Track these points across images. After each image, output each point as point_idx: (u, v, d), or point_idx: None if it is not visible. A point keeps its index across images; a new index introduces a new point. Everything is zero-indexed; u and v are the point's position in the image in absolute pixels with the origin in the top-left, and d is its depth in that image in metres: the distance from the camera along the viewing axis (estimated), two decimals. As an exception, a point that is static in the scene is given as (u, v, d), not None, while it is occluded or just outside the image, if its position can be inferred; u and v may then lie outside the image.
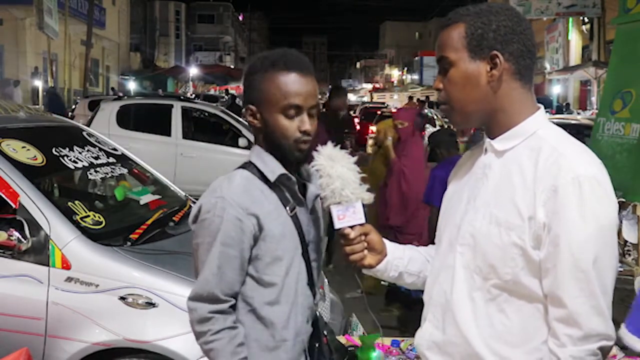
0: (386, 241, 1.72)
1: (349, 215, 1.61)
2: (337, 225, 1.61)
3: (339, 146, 1.71)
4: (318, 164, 1.66)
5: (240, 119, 9.39)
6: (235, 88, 33.82)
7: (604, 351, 1.39)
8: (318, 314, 1.89)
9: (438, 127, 18.02)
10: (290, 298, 1.76)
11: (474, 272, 1.48)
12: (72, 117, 12.71)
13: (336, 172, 1.63)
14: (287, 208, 1.75)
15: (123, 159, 4.10)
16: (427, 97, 27.60)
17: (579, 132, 7.47)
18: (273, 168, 1.75)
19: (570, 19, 22.06)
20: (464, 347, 1.49)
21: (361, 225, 1.63)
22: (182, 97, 12.35)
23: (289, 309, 1.76)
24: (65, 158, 3.52)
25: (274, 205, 1.74)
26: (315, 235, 1.86)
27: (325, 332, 1.93)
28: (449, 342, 1.52)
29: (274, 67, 1.70)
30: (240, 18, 64.35)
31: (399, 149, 5.43)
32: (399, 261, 1.72)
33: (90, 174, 3.72)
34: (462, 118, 1.53)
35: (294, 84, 1.70)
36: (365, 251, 1.66)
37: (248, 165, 1.78)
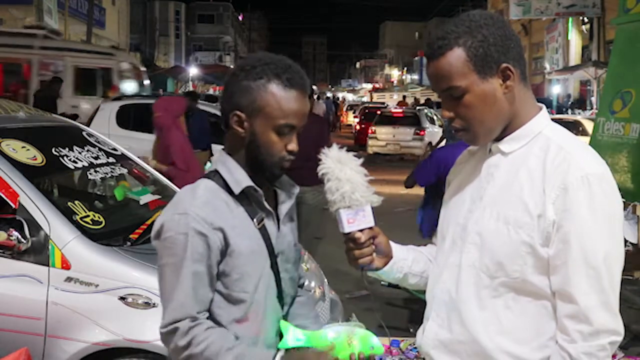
0: (391, 242, 1.72)
1: (359, 219, 1.59)
2: (347, 229, 1.59)
3: (344, 148, 1.68)
4: (326, 167, 1.61)
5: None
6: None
7: (613, 346, 1.41)
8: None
9: (438, 126, 18.10)
10: (259, 315, 1.69)
11: (481, 271, 1.49)
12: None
13: (345, 175, 1.59)
14: (255, 220, 1.67)
15: (123, 159, 4.10)
16: (428, 98, 27.72)
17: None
18: (238, 179, 1.66)
19: (570, 19, 22.08)
20: (471, 345, 1.50)
21: (370, 228, 1.62)
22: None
23: (258, 324, 1.69)
24: (65, 158, 3.52)
25: (239, 218, 1.65)
26: (287, 246, 1.78)
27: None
28: (455, 341, 1.53)
29: (277, 80, 1.61)
30: (240, 18, 64.33)
31: (161, 139, 5.49)
32: (403, 262, 1.72)
33: (90, 174, 3.72)
34: (485, 136, 1.52)
35: (295, 103, 1.62)
36: (374, 254, 1.65)
37: (213, 175, 1.68)
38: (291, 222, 1.84)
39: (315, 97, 8.56)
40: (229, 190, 1.66)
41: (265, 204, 1.71)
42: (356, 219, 1.59)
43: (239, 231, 1.64)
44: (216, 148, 9.06)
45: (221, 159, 1.71)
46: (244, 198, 1.67)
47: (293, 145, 1.66)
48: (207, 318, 1.64)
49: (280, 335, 1.80)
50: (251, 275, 1.66)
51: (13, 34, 14.44)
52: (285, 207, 1.78)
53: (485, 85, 1.45)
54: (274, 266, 1.72)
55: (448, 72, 1.45)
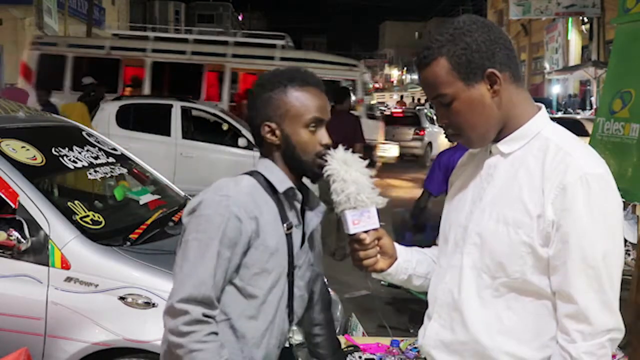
0: (395, 244, 1.72)
1: (364, 220, 1.60)
2: (352, 230, 1.59)
3: (350, 150, 1.69)
4: (331, 168, 1.63)
5: (240, 119, 9.37)
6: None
7: (614, 343, 1.42)
8: (289, 343, 1.85)
9: (438, 126, 18.10)
10: (269, 316, 1.71)
11: (482, 271, 1.49)
12: (71, 117, 12.69)
13: (351, 176, 1.60)
14: (285, 225, 1.71)
15: (123, 159, 4.10)
16: (427, 99, 27.73)
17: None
18: (282, 179, 1.73)
19: (570, 19, 22.07)
20: (473, 345, 1.51)
21: (375, 230, 1.62)
22: (181, 97, 12.37)
23: (265, 327, 1.71)
24: (65, 158, 3.52)
25: (273, 217, 1.70)
26: (305, 262, 1.81)
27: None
28: (457, 341, 1.54)
29: (293, 82, 1.71)
30: (240, 18, 64.28)
31: None
32: (407, 264, 1.72)
33: (90, 173, 3.72)
34: (480, 140, 1.54)
35: (315, 97, 1.72)
36: (378, 255, 1.65)
37: (254, 174, 1.74)
38: (314, 241, 1.87)
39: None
40: (268, 190, 1.71)
41: (299, 211, 1.76)
42: (361, 220, 1.60)
43: (270, 227, 1.68)
44: (217, 148, 9.06)
45: (263, 162, 1.77)
46: (279, 202, 1.72)
47: (326, 139, 1.73)
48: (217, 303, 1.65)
49: (286, 352, 1.81)
50: (270, 273, 1.69)
51: (255, 44, 14.25)
52: (313, 224, 1.82)
53: (472, 92, 1.47)
54: (290, 276, 1.75)
55: (434, 81, 1.48)
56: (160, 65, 13.21)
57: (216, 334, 1.61)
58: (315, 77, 1.76)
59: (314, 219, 1.83)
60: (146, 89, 13.01)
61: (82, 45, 13.87)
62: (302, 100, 1.70)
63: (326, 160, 1.68)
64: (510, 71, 1.48)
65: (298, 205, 1.75)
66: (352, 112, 7.45)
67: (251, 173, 1.75)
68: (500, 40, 1.48)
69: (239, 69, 13.47)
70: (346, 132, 6.32)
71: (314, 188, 1.96)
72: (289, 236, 1.73)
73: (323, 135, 1.72)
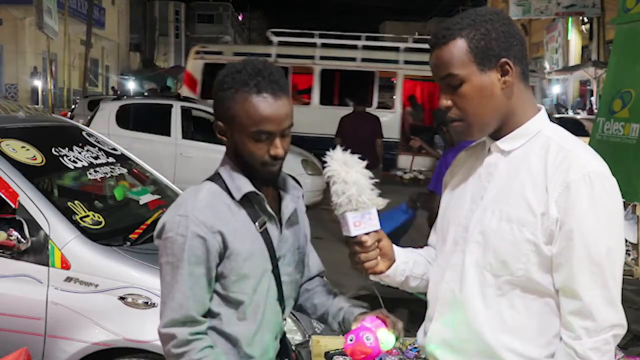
0: (393, 245, 1.71)
1: (365, 222, 1.58)
2: (353, 232, 1.58)
3: (349, 150, 1.66)
4: (332, 169, 1.60)
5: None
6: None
7: (617, 339, 1.43)
8: (285, 329, 1.84)
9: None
10: (257, 315, 1.69)
11: (485, 270, 1.50)
12: (71, 117, 12.70)
13: (352, 178, 1.58)
14: (257, 224, 1.67)
15: (122, 159, 4.09)
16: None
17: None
18: (239, 185, 1.66)
19: (570, 19, 22.07)
20: (477, 344, 1.51)
21: (375, 231, 1.61)
22: (181, 97, 12.35)
23: (255, 326, 1.70)
24: (65, 158, 3.52)
25: (241, 221, 1.65)
26: (289, 249, 1.77)
27: (294, 348, 1.87)
28: (460, 340, 1.54)
29: (245, 88, 1.58)
30: (240, 18, 64.25)
31: None
32: (405, 265, 1.71)
33: (90, 173, 3.72)
34: (480, 131, 1.53)
35: (266, 109, 1.58)
36: (378, 257, 1.64)
37: (216, 178, 1.70)
38: (295, 225, 1.82)
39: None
40: (231, 194, 1.67)
41: (268, 207, 1.70)
42: (362, 222, 1.58)
43: (239, 234, 1.64)
44: (217, 148, 9.07)
45: (224, 163, 1.72)
46: (246, 201, 1.67)
47: (276, 150, 1.62)
48: (205, 315, 1.65)
49: (281, 341, 1.80)
50: (250, 277, 1.66)
51: (426, 50, 14.04)
52: (288, 210, 1.77)
53: (483, 78, 1.47)
54: (275, 269, 1.72)
55: (448, 60, 1.48)
56: (329, 73, 13.04)
57: (211, 347, 1.62)
58: (274, 83, 1.59)
59: (289, 204, 1.77)
60: (315, 96, 12.88)
61: (249, 53, 13.63)
62: (249, 111, 1.58)
63: (274, 168, 1.65)
64: (521, 67, 1.50)
65: (265, 202, 1.69)
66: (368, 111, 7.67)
67: (214, 177, 1.71)
68: (517, 35, 1.50)
69: (412, 75, 13.24)
70: (366, 130, 6.93)
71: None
72: (264, 232, 1.69)
73: (273, 146, 1.62)
